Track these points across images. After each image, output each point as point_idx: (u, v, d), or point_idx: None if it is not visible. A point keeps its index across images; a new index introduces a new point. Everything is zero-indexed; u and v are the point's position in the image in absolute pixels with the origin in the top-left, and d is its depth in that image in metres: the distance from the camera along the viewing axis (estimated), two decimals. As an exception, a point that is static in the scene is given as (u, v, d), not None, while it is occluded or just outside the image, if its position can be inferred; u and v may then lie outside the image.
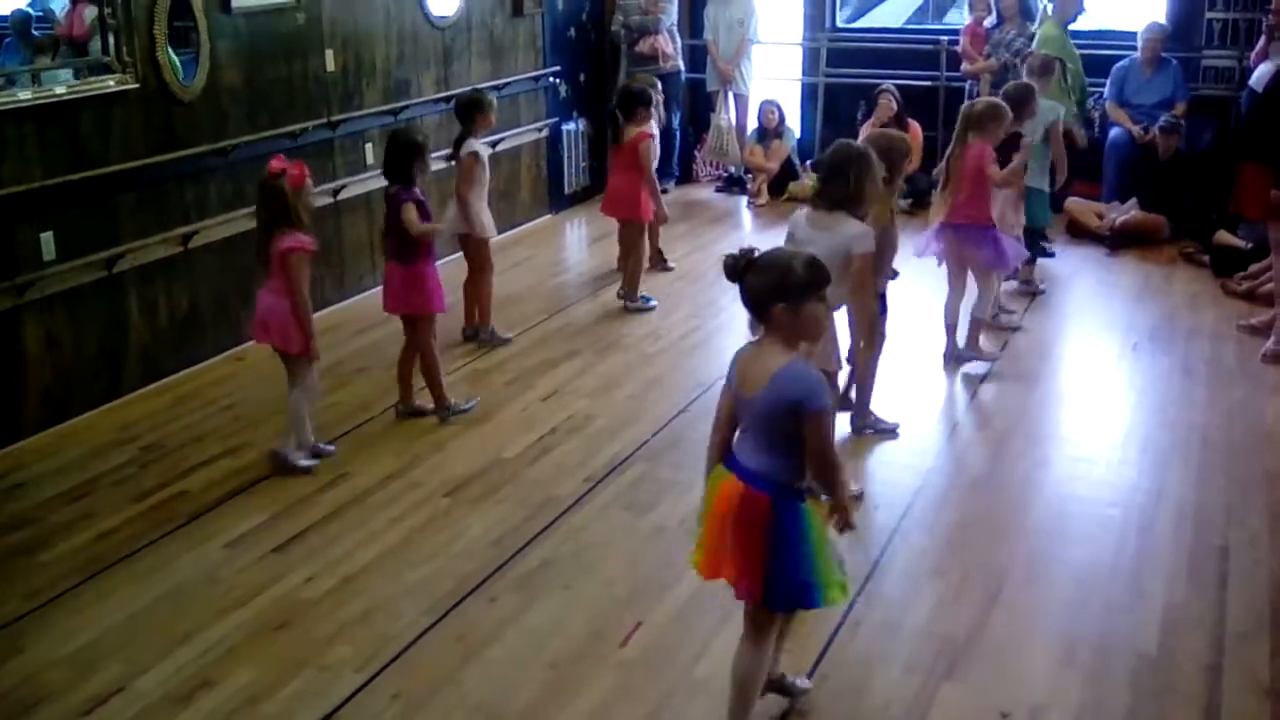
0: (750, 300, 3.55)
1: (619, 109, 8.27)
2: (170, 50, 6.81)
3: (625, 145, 8.13)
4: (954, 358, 7.06)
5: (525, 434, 6.25)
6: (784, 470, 3.53)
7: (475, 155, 7.23)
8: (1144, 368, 7.17)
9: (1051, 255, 9.03)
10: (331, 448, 6.03)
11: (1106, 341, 7.71)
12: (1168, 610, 4.61)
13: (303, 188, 5.58)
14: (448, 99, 9.09)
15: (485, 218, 7.36)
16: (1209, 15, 10.17)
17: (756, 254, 3.57)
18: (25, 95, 6.15)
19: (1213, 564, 4.95)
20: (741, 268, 3.55)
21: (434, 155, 6.68)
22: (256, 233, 5.74)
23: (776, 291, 3.48)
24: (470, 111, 7.35)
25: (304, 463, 5.83)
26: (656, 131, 8.37)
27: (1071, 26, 9.76)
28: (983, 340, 7.16)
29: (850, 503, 3.77)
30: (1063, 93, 9.11)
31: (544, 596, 4.76)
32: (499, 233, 7.71)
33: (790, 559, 3.54)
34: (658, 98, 8.88)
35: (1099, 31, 10.87)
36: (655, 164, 8.31)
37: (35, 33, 6.66)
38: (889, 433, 6.12)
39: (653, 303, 8.25)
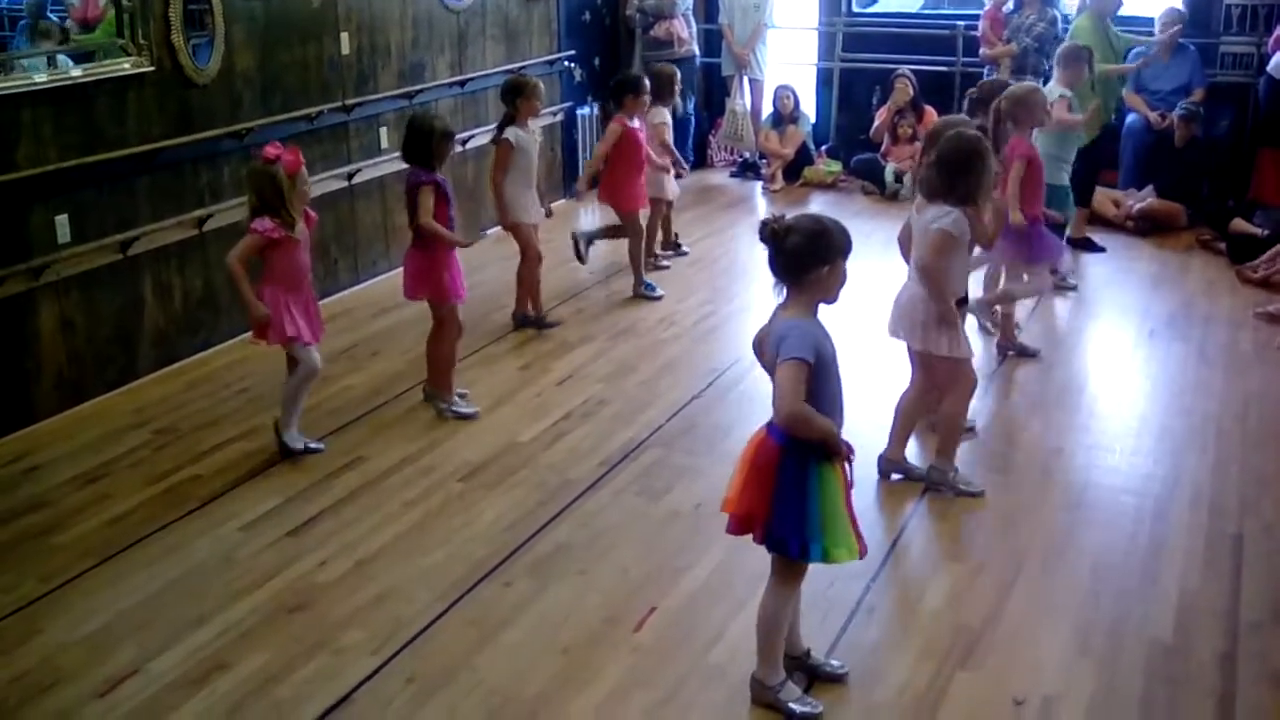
0: (787, 262, 3.72)
1: (612, 96, 8.35)
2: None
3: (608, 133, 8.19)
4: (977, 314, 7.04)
5: (539, 419, 6.25)
6: None
7: (508, 142, 7.23)
8: (1160, 355, 7.14)
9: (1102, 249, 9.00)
10: (320, 445, 5.94)
11: (1123, 328, 7.69)
12: (1182, 598, 4.60)
13: (298, 174, 5.52)
14: (462, 83, 9.09)
15: (522, 202, 7.35)
16: (1227, 1, 10.11)
17: (789, 218, 3.76)
18: (41, 78, 6.15)
19: (1227, 552, 4.94)
20: (782, 231, 3.70)
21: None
22: (248, 219, 5.59)
23: (819, 253, 3.69)
24: (511, 97, 7.31)
25: (310, 445, 5.87)
26: (638, 122, 8.14)
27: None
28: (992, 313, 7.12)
29: (835, 443, 3.72)
30: (1089, 92, 8.49)
31: (558, 581, 4.76)
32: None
33: (793, 509, 3.72)
34: (677, 86, 8.88)
35: (1117, 18, 10.81)
36: (675, 145, 8.47)
37: (51, 17, 6.65)
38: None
39: (658, 292, 8.20)
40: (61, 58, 6.43)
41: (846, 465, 3.79)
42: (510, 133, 7.25)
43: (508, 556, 4.94)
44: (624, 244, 8.27)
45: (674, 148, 8.85)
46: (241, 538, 5.13)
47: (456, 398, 6.35)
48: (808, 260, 3.69)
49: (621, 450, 5.89)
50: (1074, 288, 8.30)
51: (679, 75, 9.05)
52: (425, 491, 5.52)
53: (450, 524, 5.23)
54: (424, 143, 6.09)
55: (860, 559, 3.87)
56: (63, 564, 4.92)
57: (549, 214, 7.78)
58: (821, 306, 3.79)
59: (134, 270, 6.70)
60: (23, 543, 5.12)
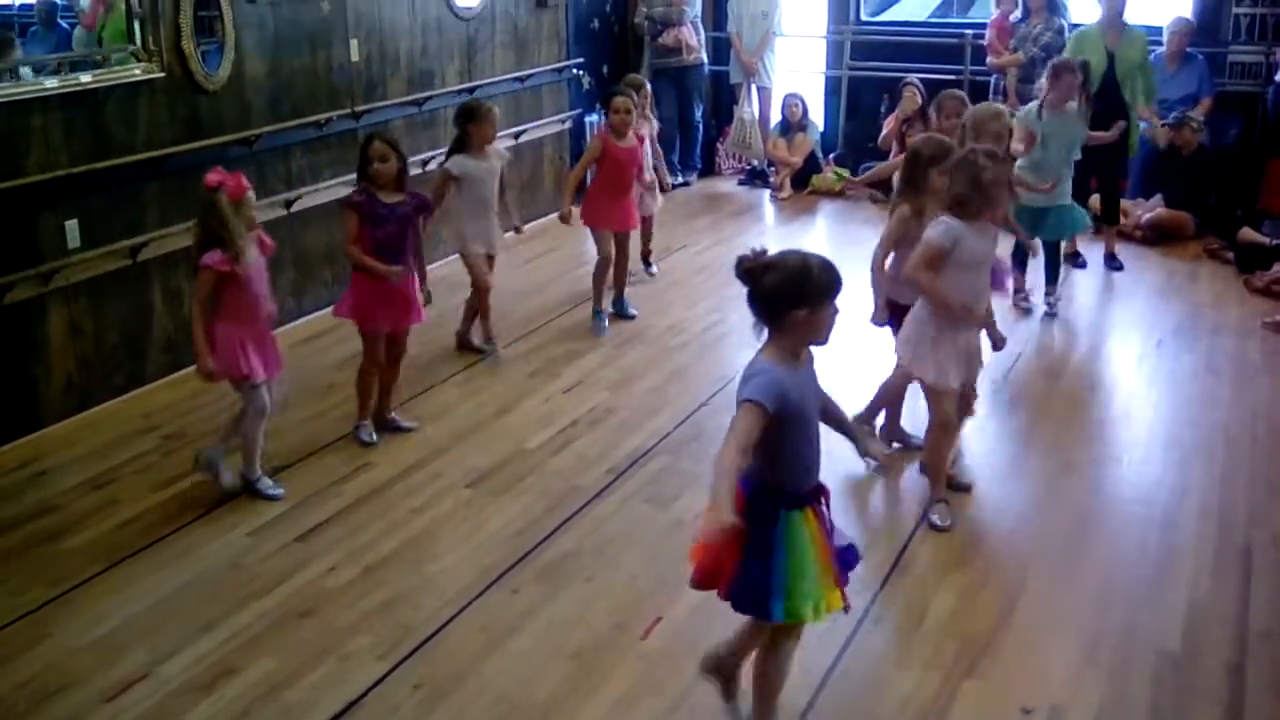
0: (764, 303, 3.47)
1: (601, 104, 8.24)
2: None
3: None
4: None
5: (547, 426, 6.26)
6: (760, 469, 3.48)
7: (445, 173, 6.95)
8: (1167, 365, 7.13)
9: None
10: (279, 492, 5.54)
11: (1130, 338, 7.69)
12: (1190, 608, 4.59)
13: (243, 200, 5.19)
14: (471, 90, 9.10)
15: (470, 231, 6.98)
16: (1236, 10, 10.11)
17: (769, 254, 3.49)
18: (51, 83, 6.17)
19: (1236, 562, 4.93)
20: (759, 268, 3.45)
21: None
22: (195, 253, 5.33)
23: (799, 294, 3.41)
24: (462, 121, 6.96)
25: (270, 491, 5.53)
26: (633, 138, 7.71)
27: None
28: None
29: (722, 504, 3.25)
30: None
31: (565, 588, 4.76)
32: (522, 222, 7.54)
33: (755, 561, 3.46)
34: (637, 98, 8.12)
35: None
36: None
37: (62, 24, 6.68)
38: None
39: (631, 311, 7.91)
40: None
41: (818, 511, 3.55)
42: (454, 162, 6.92)
43: (515, 563, 4.94)
44: (633, 250, 8.20)
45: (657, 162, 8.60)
46: (250, 543, 5.13)
47: (363, 426, 6.12)
48: (786, 301, 3.40)
49: (629, 458, 5.89)
50: (1030, 310, 7.99)
51: (647, 88, 8.72)
52: (433, 498, 5.52)
53: (458, 530, 5.24)
54: (360, 160, 5.93)
55: (844, 612, 3.69)
56: (71, 569, 4.93)
57: (517, 229, 7.35)
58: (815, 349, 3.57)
59: (143, 276, 6.71)
60: (31, 547, 5.13)
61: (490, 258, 7.14)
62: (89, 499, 5.55)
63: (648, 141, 8.13)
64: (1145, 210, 9.57)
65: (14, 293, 5.99)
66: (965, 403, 5.32)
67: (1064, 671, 4.22)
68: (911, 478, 5.67)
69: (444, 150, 8.59)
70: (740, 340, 7.23)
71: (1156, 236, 9.44)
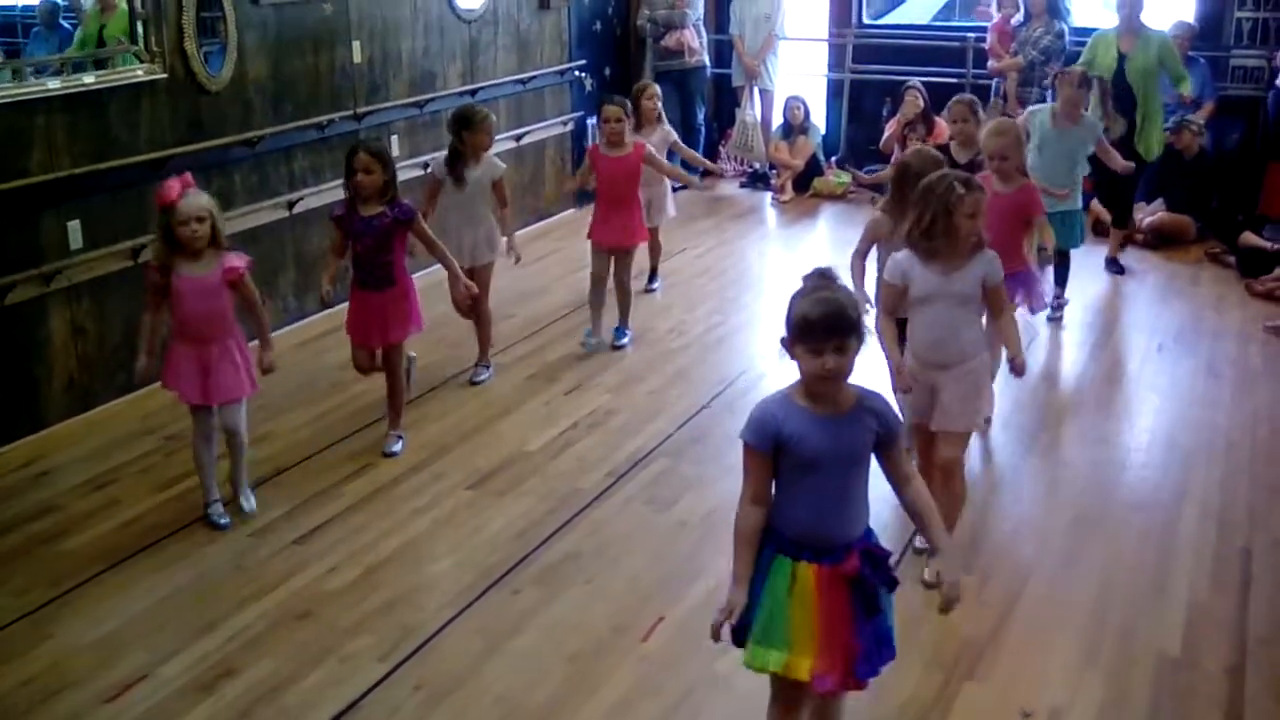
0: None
1: None
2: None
3: None
4: None
5: (548, 428, 6.26)
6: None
7: (431, 176, 6.84)
8: (1168, 369, 7.13)
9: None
10: (226, 521, 5.31)
11: (1131, 342, 7.69)
12: (1190, 611, 4.59)
13: (173, 208, 4.95)
14: (473, 92, 9.10)
15: (455, 242, 6.58)
16: (1238, 14, 10.11)
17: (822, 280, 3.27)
18: (54, 84, 6.18)
19: (1236, 566, 4.93)
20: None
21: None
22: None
23: (789, 331, 3.24)
24: (457, 128, 6.71)
25: (218, 520, 5.31)
26: (630, 146, 7.31)
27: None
28: None
29: (736, 578, 3.28)
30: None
31: (566, 590, 4.76)
32: (521, 225, 7.43)
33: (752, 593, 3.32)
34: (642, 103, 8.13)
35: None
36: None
37: (64, 24, 6.69)
38: None
39: (590, 341, 7.44)
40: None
41: (830, 571, 3.26)
42: (437, 166, 6.78)
43: (516, 565, 4.95)
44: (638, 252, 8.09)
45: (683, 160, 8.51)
46: (250, 544, 5.14)
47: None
48: (788, 334, 3.25)
49: (630, 460, 5.89)
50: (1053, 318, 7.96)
51: (653, 89, 8.49)
52: (434, 499, 5.53)
53: (459, 532, 5.24)
54: (345, 168, 5.77)
55: (811, 682, 3.32)
56: (72, 569, 4.94)
57: (513, 257, 6.98)
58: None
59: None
60: (32, 548, 5.14)
61: (478, 270, 6.73)
62: (90, 499, 5.56)
63: (652, 149, 7.58)
64: (1147, 214, 9.57)
65: (16, 293, 6.00)
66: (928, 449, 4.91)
67: (1064, 674, 4.23)
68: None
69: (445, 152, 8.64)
70: (741, 343, 7.27)
71: (1158, 240, 9.44)
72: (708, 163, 9.25)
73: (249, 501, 5.43)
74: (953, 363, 4.64)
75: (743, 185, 11.77)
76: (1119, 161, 7.85)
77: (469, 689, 4.16)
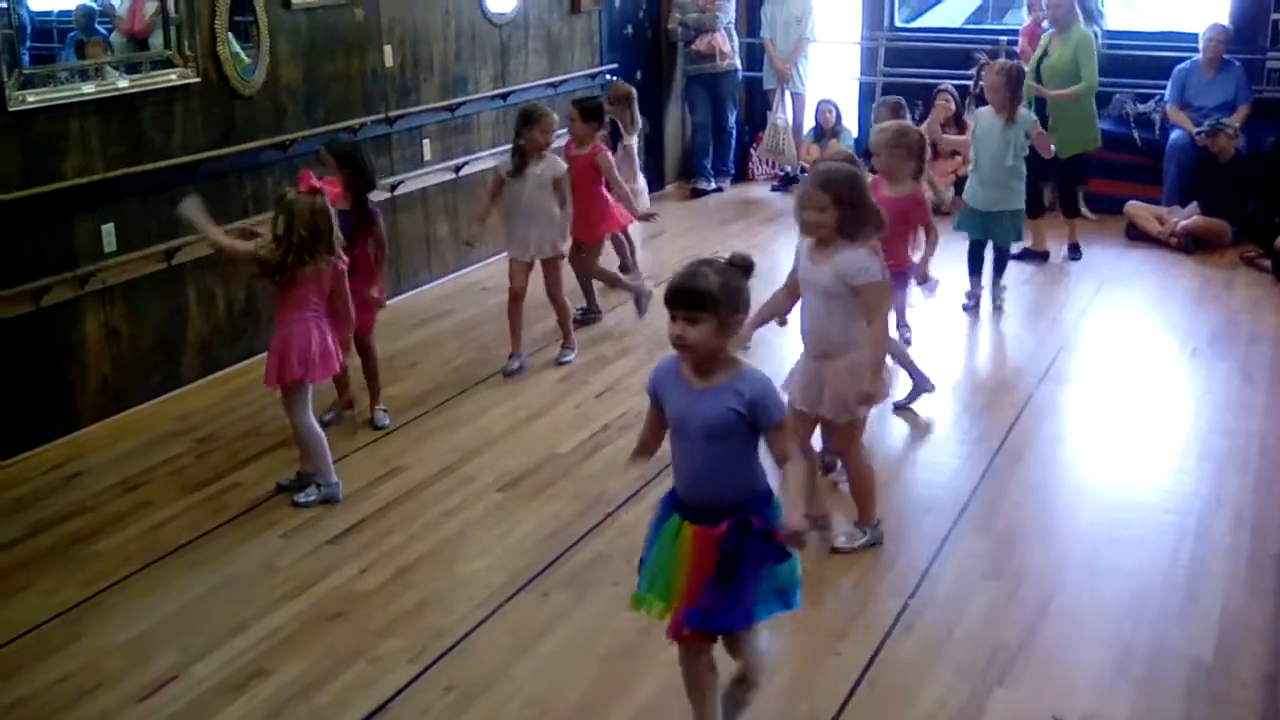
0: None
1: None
2: (235, 41, 6.94)
3: None
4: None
5: (578, 430, 6.27)
6: None
7: (495, 170, 7.13)
8: (1203, 373, 7.08)
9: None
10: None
11: (1165, 346, 7.64)
12: (1224, 618, 4.55)
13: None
14: (505, 95, 9.12)
15: (506, 235, 7.13)
16: (1274, 16, 10.04)
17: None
18: (89, 89, 6.22)
19: (1270, 572, 4.88)
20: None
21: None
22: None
23: None
24: (517, 124, 6.99)
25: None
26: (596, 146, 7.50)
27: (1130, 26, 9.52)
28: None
29: None
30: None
31: (595, 592, 4.76)
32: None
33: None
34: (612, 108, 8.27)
35: (1160, 33, 10.77)
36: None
37: (99, 30, 6.72)
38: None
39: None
40: (108, 68, 6.50)
41: (706, 534, 3.50)
42: (503, 162, 7.05)
43: (546, 567, 4.95)
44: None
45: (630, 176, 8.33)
46: (282, 545, 5.16)
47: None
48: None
49: (659, 463, 5.81)
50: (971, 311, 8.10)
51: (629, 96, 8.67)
52: (464, 501, 5.54)
53: (489, 534, 5.25)
54: None
55: (664, 626, 3.60)
56: (104, 569, 4.97)
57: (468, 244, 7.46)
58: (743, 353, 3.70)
59: (178, 279, 6.76)
60: (65, 548, 5.18)
61: (545, 264, 7.08)
62: (123, 500, 5.59)
63: (609, 153, 7.63)
64: (1181, 218, 9.51)
65: (51, 295, 6.04)
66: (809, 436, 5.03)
67: (1095, 681, 4.20)
68: (941, 484, 5.65)
69: (477, 156, 8.70)
70: (771, 347, 7.23)
71: (1193, 244, 9.37)
72: None
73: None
74: (828, 354, 4.81)
75: (774, 188, 11.74)
76: (1047, 149, 8.15)
77: (499, 690, 4.16)
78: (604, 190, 7.51)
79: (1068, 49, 9.09)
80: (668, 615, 3.57)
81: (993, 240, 8.12)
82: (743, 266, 3.50)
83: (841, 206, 4.64)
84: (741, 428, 3.48)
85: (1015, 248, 8.46)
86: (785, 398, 4.59)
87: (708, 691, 3.72)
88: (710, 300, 3.39)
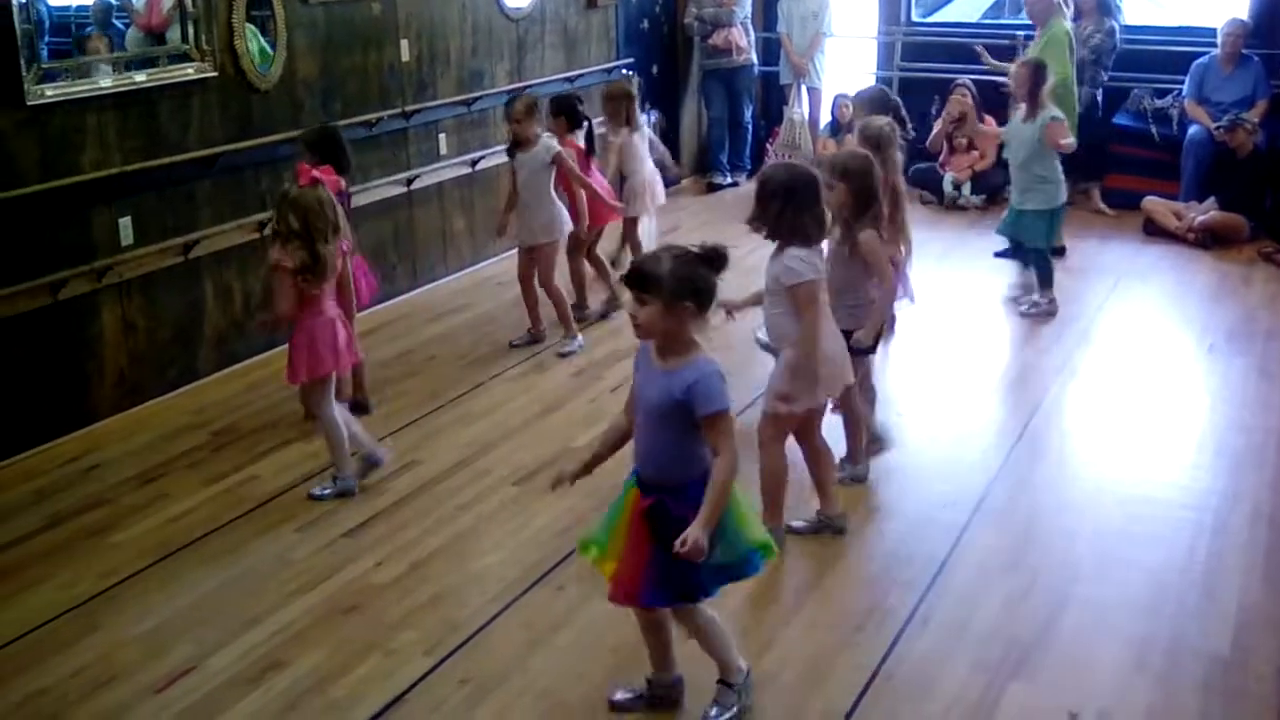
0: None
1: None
2: (259, 37, 7.00)
3: None
4: None
5: (593, 425, 6.25)
6: None
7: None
8: (1220, 369, 7.06)
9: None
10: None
11: (1182, 342, 7.62)
12: (1241, 613, 4.54)
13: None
14: (521, 90, 9.12)
15: (520, 223, 7.30)
16: (1293, 11, 10.00)
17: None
18: (106, 83, 6.24)
19: (1288, 568, 4.88)
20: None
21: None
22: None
23: None
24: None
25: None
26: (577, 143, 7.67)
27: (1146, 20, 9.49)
28: None
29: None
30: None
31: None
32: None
33: None
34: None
35: (1179, 28, 10.73)
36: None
37: (116, 23, 6.74)
38: None
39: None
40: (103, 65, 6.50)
41: (650, 509, 3.69)
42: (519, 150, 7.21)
43: (560, 561, 4.95)
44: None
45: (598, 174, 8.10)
46: (298, 538, 5.17)
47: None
48: None
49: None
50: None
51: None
52: (479, 495, 5.54)
53: (504, 528, 5.25)
54: None
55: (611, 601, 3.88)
56: (121, 562, 4.99)
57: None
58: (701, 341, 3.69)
59: (195, 273, 6.77)
60: (82, 540, 5.19)
61: (537, 250, 7.21)
62: (140, 493, 5.61)
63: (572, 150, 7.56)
64: (1199, 213, 9.47)
65: (68, 288, 6.06)
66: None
67: (1112, 676, 4.18)
68: (958, 479, 5.64)
69: (493, 150, 8.70)
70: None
71: (1210, 239, 9.33)
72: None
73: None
74: (780, 349, 4.94)
75: (790, 184, 11.70)
76: (1057, 142, 7.88)
77: (514, 683, 4.17)
78: (576, 186, 7.42)
79: (1041, 44, 9.16)
80: (603, 564, 3.84)
81: (1021, 239, 8.08)
82: (708, 258, 3.58)
83: (849, 180, 5.01)
84: (681, 413, 3.59)
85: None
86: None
87: (659, 633, 3.94)
88: (655, 283, 3.53)
